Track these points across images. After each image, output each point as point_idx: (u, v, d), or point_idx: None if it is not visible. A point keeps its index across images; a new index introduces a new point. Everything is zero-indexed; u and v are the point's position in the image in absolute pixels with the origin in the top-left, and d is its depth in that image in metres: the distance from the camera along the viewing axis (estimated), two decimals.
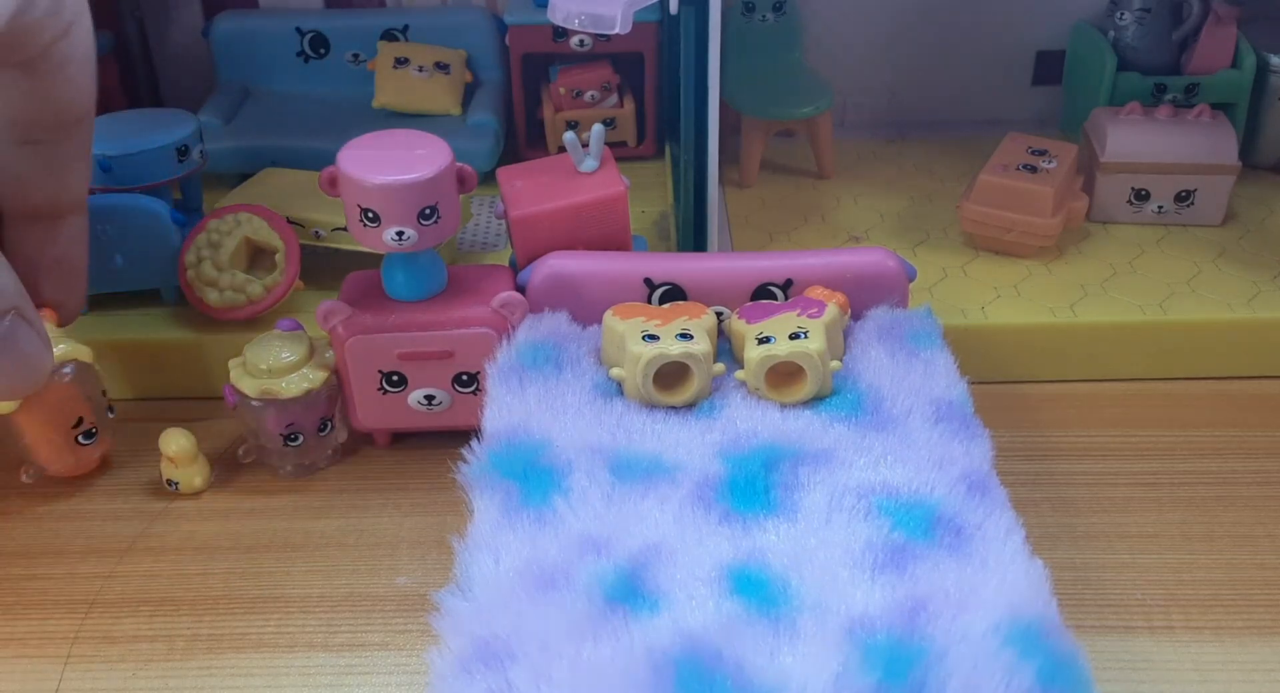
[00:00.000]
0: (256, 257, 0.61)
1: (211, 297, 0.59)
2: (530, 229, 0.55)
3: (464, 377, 0.54)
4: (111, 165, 0.60)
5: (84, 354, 0.53)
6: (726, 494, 0.44)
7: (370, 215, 0.50)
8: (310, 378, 0.53)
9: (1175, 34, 0.73)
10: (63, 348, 0.52)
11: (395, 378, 0.54)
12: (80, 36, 0.47)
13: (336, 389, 0.55)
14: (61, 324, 0.54)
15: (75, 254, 0.54)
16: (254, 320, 0.59)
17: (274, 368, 0.53)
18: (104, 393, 0.55)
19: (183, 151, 0.62)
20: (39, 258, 0.53)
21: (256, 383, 0.53)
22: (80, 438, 0.54)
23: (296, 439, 0.54)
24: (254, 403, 0.53)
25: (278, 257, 0.59)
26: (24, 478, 0.55)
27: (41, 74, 0.47)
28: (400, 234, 0.51)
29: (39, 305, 0.53)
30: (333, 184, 0.51)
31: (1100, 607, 0.48)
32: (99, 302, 0.62)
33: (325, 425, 0.55)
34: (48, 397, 0.52)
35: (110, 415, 0.55)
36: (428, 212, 0.51)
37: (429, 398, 0.55)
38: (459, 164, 0.52)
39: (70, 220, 0.53)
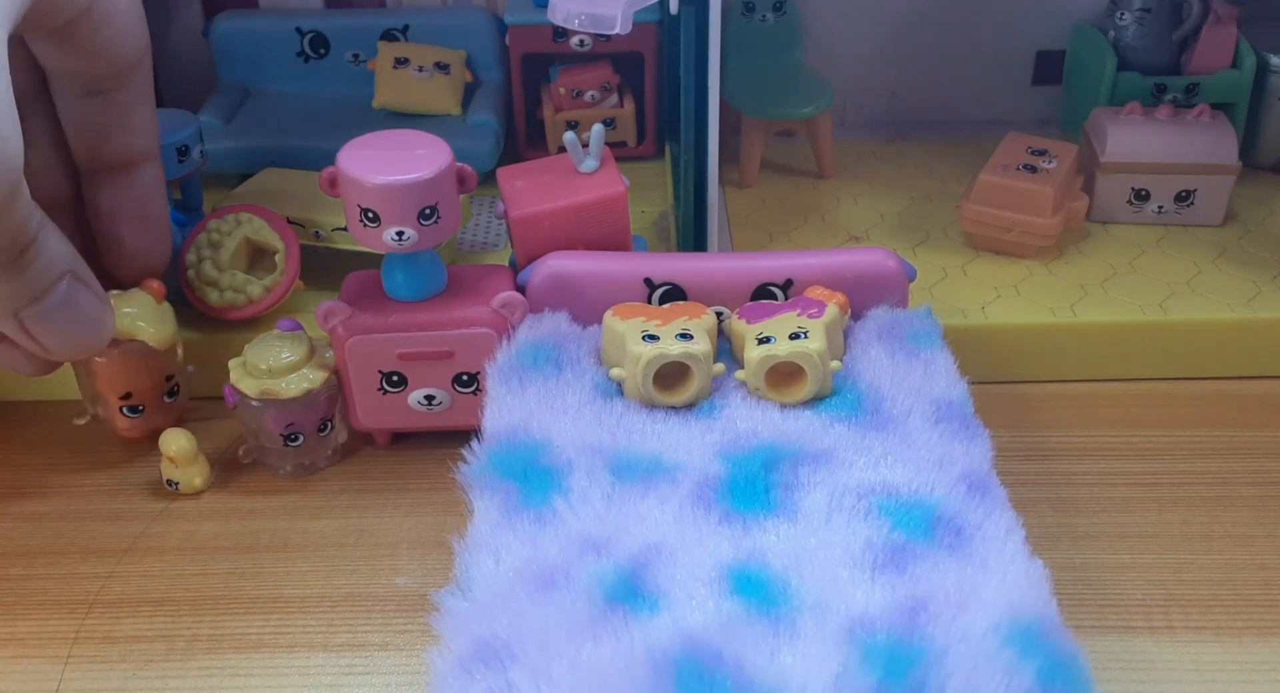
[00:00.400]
0: (257, 257, 0.61)
1: (212, 297, 0.59)
2: (530, 229, 0.55)
3: (464, 377, 0.54)
4: None
5: (154, 339, 0.54)
6: (726, 494, 0.44)
7: (370, 215, 0.50)
8: (310, 378, 0.53)
9: (1175, 34, 0.73)
10: (140, 325, 0.53)
11: (395, 378, 0.54)
12: (107, 5, 0.48)
13: (336, 389, 0.55)
14: (154, 273, 0.56)
15: (154, 201, 0.55)
16: (254, 320, 0.59)
17: (274, 368, 0.53)
18: (169, 378, 0.56)
19: (183, 151, 0.62)
20: (120, 208, 0.54)
21: (256, 383, 0.53)
22: (125, 410, 0.55)
23: (296, 439, 0.54)
24: (254, 403, 0.53)
25: (278, 257, 0.59)
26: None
27: (84, 36, 0.48)
28: (400, 234, 0.51)
29: (131, 273, 0.55)
30: (333, 184, 0.51)
31: (1100, 607, 0.48)
32: None
33: (325, 426, 0.55)
34: (112, 360, 0.54)
35: (168, 400, 0.57)
36: (428, 212, 0.51)
37: (429, 398, 0.55)
38: (459, 164, 0.52)
39: (144, 168, 0.54)
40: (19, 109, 0.52)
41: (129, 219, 0.55)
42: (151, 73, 0.53)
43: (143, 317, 0.54)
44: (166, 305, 0.55)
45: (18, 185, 0.41)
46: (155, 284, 0.55)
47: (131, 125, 0.53)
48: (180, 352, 0.57)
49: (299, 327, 0.55)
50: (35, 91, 0.52)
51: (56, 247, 0.45)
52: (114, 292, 0.54)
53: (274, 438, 0.54)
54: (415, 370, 0.54)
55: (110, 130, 0.52)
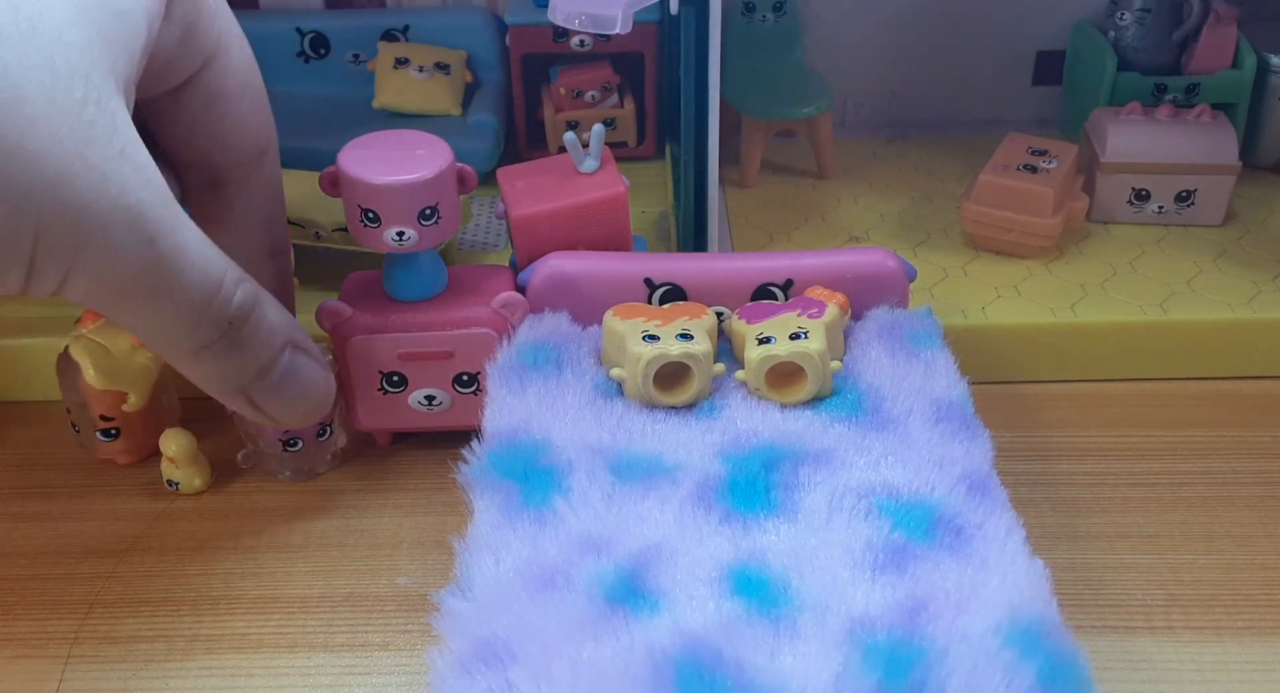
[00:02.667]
0: None
1: None
2: (531, 229, 0.55)
3: (464, 377, 0.54)
4: None
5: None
6: (727, 494, 0.44)
7: (370, 215, 0.50)
8: None
9: (1175, 34, 0.73)
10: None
11: (396, 378, 0.54)
12: (226, 70, 0.46)
13: (336, 394, 0.55)
14: None
15: (279, 292, 0.51)
16: None
17: None
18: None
19: None
20: None
21: None
22: (99, 433, 0.55)
23: (295, 445, 0.54)
24: None
25: None
26: (67, 411, 0.56)
27: (193, 111, 0.46)
28: (400, 234, 0.51)
29: None
30: (333, 184, 0.51)
31: (1100, 607, 0.48)
32: None
33: (324, 431, 0.55)
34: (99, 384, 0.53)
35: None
36: (428, 212, 0.51)
37: (429, 398, 0.55)
38: (459, 164, 0.52)
39: (273, 262, 0.51)
40: None
41: None
42: (277, 170, 0.50)
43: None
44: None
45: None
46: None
47: (249, 224, 0.49)
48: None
49: None
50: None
51: (275, 317, 0.44)
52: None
53: (273, 444, 0.54)
54: (415, 371, 0.54)
55: (226, 227, 0.49)
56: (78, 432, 0.55)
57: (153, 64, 0.43)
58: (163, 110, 0.46)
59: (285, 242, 0.53)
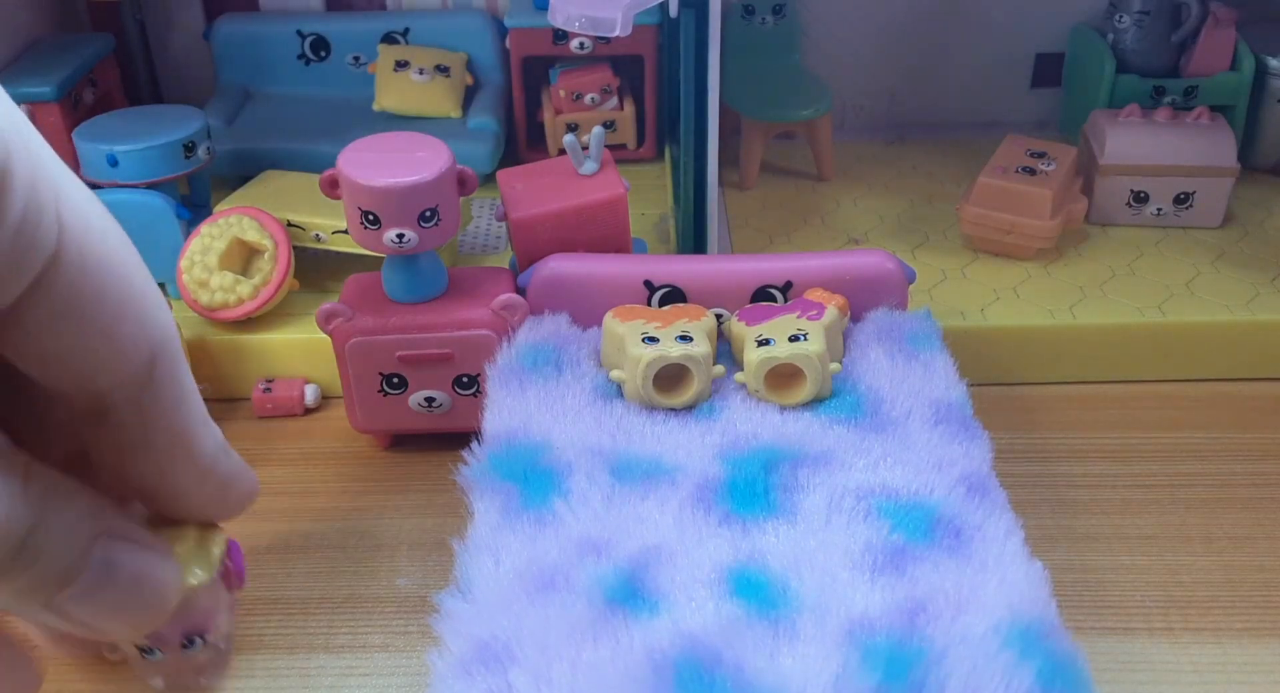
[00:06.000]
0: (253, 259, 0.61)
1: (203, 298, 0.59)
2: (530, 231, 0.55)
3: (464, 379, 0.54)
4: (118, 160, 0.61)
5: None
6: (726, 496, 0.44)
7: (370, 218, 0.50)
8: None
9: (1174, 36, 0.73)
10: None
11: (395, 380, 0.54)
12: (76, 269, 0.30)
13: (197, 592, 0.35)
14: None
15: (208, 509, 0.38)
16: (250, 320, 0.60)
17: None
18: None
19: (189, 148, 0.62)
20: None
21: None
22: None
23: (153, 654, 0.36)
24: None
25: (266, 255, 0.59)
26: None
27: (36, 328, 0.30)
28: (400, 236, 0.51)
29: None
30: (333, 186, 0.51)
31: (1099, 608, 0.48)
32: None
33: (192, 642, 0.35)
34: None
35: None
36: (428, 214, 0.51)
37: (429, 400, 0.55)
38: (459, 166, 0.52)
39: (209, 491, 0.37)
40: None
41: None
42: (175, 386, 0.34)
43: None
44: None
45: None
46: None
47: (148, 457, 0.35)
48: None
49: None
50: None
51: (72, 519, 0.31)
52: None
53: (129, 649, 0.36)
54: (415, 372, 0.54)
55: (122, 463, 0.35)
56: None
57: None
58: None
59: (210, 471, 0.38)
